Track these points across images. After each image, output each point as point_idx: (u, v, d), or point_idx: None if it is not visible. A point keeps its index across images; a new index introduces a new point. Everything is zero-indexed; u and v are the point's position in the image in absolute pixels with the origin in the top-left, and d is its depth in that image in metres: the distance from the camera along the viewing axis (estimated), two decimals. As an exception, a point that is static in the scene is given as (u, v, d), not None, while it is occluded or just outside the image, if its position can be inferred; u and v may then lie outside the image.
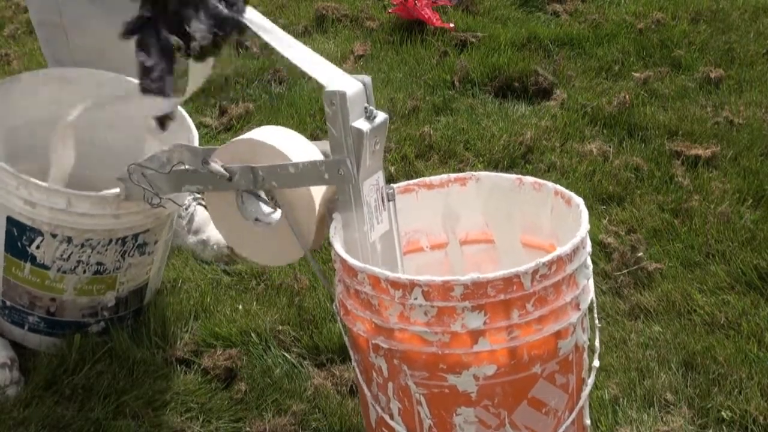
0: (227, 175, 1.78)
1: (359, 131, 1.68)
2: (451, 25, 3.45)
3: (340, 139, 1.68)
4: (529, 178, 1.82)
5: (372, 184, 1.73)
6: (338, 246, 1.68)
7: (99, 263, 2.04)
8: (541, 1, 3.68)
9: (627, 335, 2.13)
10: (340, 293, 1.70)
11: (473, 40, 3.37)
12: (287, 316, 2.20)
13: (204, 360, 2.09)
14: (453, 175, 1.87)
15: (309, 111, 2.97)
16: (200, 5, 1.72)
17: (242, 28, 1.76)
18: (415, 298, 1.56)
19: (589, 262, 1.66)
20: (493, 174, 1.87)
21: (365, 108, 1.71)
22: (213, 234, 2.41)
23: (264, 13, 3.93)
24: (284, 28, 3.80)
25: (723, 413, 1.94)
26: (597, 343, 1.73)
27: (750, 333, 2.13)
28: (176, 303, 2.23)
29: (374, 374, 1.67)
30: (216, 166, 1.78)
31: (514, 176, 1.84)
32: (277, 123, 2.91)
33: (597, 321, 1.74)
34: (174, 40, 1.75)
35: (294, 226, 1.77)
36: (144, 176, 1.89)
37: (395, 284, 1.57)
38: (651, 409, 1.96)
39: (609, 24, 3.48)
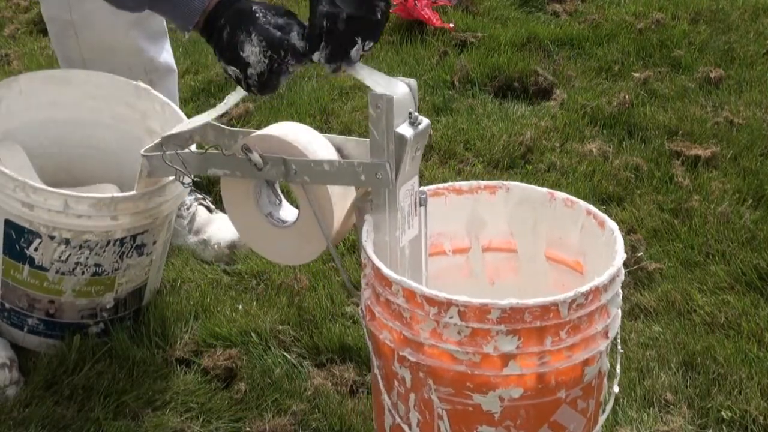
0: (261, 163, 1.76)
1: (402, 137, 1.65)
2: (451, 25, 3.45)
3: (382, 143, 1.66)
4: (561, 194, 1.81)
5: (408, 189, 1.71)
6: (371, 252, 1.66)
7: (97, 265, 2.03)
8: (541, 1, 3.68)
9: (627, 335, 2.13)
10: (367, 298, 1.68)
11: (473, 40, 3.37)
12: (287, 316, 2.20)
13: (204, 360, 2.09)
14: (483, 183, 1.86)
15: (309, 111, 2.97)
16: (252, 28, 1.69)
17: (298, 54, 1.71)
18: (451, 317, 1.55)
19: (620, 290, 1.66)
20: (524, 185, 1.86)
21: (410, 113, 1.68)
22: (214, 234, 2.41)
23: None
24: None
25: (723, 413, 1.94)
26: (618, 369, 1.73)
27: (750, 333, 2.13)
28: (176, 303, 2.23)
29: (396, 383, 1.66)
30: (255, 155, 1.75)
31: (546, 190, 1.83)
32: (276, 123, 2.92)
33: (619, 347, 1.74)
34: (232, 71, 1.73)
35: (321, 222, 1.75)
36: (177, 155, 1.86)
37: (431, 301, 1.56)
38: (651, 409, 1.96)
39: (609, 24, 3.48)
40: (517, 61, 3.23)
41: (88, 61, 2.30)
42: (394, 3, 3.53)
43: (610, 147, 2.80)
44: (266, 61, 1.69)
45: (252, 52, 1.69)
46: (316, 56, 1.69)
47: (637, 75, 3.16)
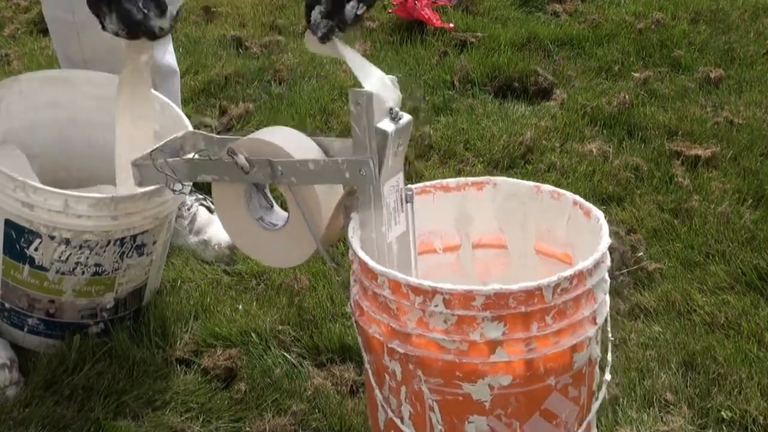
0: (247, 166, 1.76)
1: (384, 132, 1.66)
2: (451, 25, 3.45)
3: (364, 139, 1.66)
4: (548, 187, 1.81)
5: (392, 185, 1.71)
6: (357, 247, 1.67)
7: (97, 264, 2.03)
8: (541, 1, 3.68)
9: (627, 335, 2.13)
10: (356, 294, 1.68)
11: (473, 40, 3.37)
12: (287, 316, 2.20)
13: (204, 360, 2.09)
14: (470, 179, 1.86)
15: (309, 111, 2.97)
16: (112, 5, 1.82)
17: (154, 37, 1.86)
18: (436, 306, 1.55)
19: (607, 276, 1.66)
20: (511, 180, 1.86)
21: (390, 109, 1.69)
22: (214, 234, 2.41)
23: (264, 14, 3.94)
24: (284, 28, 3.82)
25: (723, 413, 1.94)
26: (609, 357, 1.73)
27: (750, 333, 2.13)
28: (176, 303, 2.23)
29: (387, 377, 1.66)
30: (241, 157, 1.75)
31: (532, 183, 1.83)
32: (277, 123, 2.92)
33: (610, 335, 1.74)
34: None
35: (309, 222, 1.75)
36: (167, 163, 1.86)
37: (416, 290, 1.56)
38: (651, 409, 1.96)
39: (609, 24, 3.48)
40: (517, 61, 3.23)
41: (89, 62, 2.30)
42: (394, 3, 3.53)
43: (610, 147, 2.80)
44: (125, 34, 1.85)
45: (111, 28, 1.85)
46: (314, 12, 1.73)
47: (637, 75, 3.16)
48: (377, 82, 1.69)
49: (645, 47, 3.33)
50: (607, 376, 1.71)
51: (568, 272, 1.56)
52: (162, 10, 1.83)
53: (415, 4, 3.45)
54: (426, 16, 3.45)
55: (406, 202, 1.76)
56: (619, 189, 2.62)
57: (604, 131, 2.90)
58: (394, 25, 3.50)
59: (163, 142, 1.93)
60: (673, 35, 3.38)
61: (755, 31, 3.43)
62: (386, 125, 1.67)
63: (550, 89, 3.11)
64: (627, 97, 3.01)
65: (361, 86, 1.67)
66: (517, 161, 2.76)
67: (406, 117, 1.71)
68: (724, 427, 1.92)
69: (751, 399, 1.96)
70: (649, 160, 2.74)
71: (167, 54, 2.43)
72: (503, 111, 3.02)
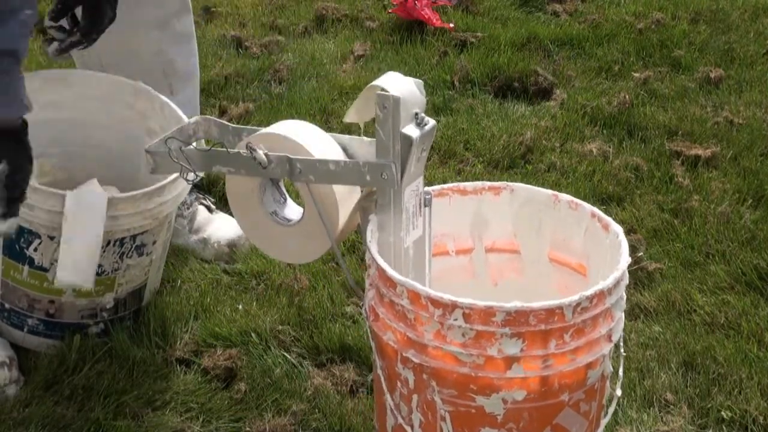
0: (265, 161, 1.75)
1: (408, 138, 1.65)
2: (451, 25, 3.45)
3: (388, 143, 1.65)
4: (566, 196, 1.81)
5: (413, 189, 1.71)
6: (375, 252, 1.66)
7: (97, 265, 2.03)
8: (541, 1, 3.68)
9: (627, 335, 2.13)
10: (371, 299, 1.67)
11: (473, 40, 3.37)
12: (287, 316, 2.20)
13: (204, 360, 2.09)
14: (487, 184, 1.86)
15: (309, 111, 2.97)
16: None
17: None
18: (455, 319, 1.54)
19: (624, 294, 1.66)
20: (529, 187, 1.85)
21: (416, 114, 1.68)
22: (213, 232, 2.41)
23: (264, 14, 3.94)
24: (284, 28, 3.82)
25: (723, 413, 1.94)
26: (621, 372, 1.73)
27: (750, 333, 2.13)
28: (176, 303, 2.23)
29: (399, 384, 1.66)
30: (260, 152, 1.74)
31: (550, 192, 1.82)
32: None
33: (623, 350, 1.74)
34: None
35: (325, 220, 1.75)
36: (182, 152, 1.84)
37: (436, 303, 1.55)
38: (651, 409, 1.97)
39: (609, 24, 3.48)
40: (517, 61, 3.23)
41: (106, 67, 2.28)
42: (394, 3, 3.53)
43: (610, 147, 2.80)
44: None
45: None
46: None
47: (637, 75, 3.16)
48: (404, 87, 1.68)
49: (645, 47, 3.33)
50: (618, 392, 1.71)
51: (590, 292, 1.56)
52: (3, 215, 1.70)
53: (415, 4, 3.45)
54: (426, 16, 3.45)
55: (425, 206, 1.76)
56: (619, 189, 2.62)
57: (604, 131, 2.90)
58: (394, 25, 3.50)
59: (176, 129, 1.92)
60: (673, 35, 3.38)
61: (755, 31, 3.43)
62: (411, 131, 1.66)
63: (550, 89, 3.11)
64: (627, 97, 3.01)
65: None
66: (517, 161, 2.76)
67: (431, 122, 1.69)
68: (724, 427, 1.93)
69: (751, 399, 1.96)
70: (649, 160, 2.74)
71: (188, 55, 2.39)
72: (503, 111, 3.02)
